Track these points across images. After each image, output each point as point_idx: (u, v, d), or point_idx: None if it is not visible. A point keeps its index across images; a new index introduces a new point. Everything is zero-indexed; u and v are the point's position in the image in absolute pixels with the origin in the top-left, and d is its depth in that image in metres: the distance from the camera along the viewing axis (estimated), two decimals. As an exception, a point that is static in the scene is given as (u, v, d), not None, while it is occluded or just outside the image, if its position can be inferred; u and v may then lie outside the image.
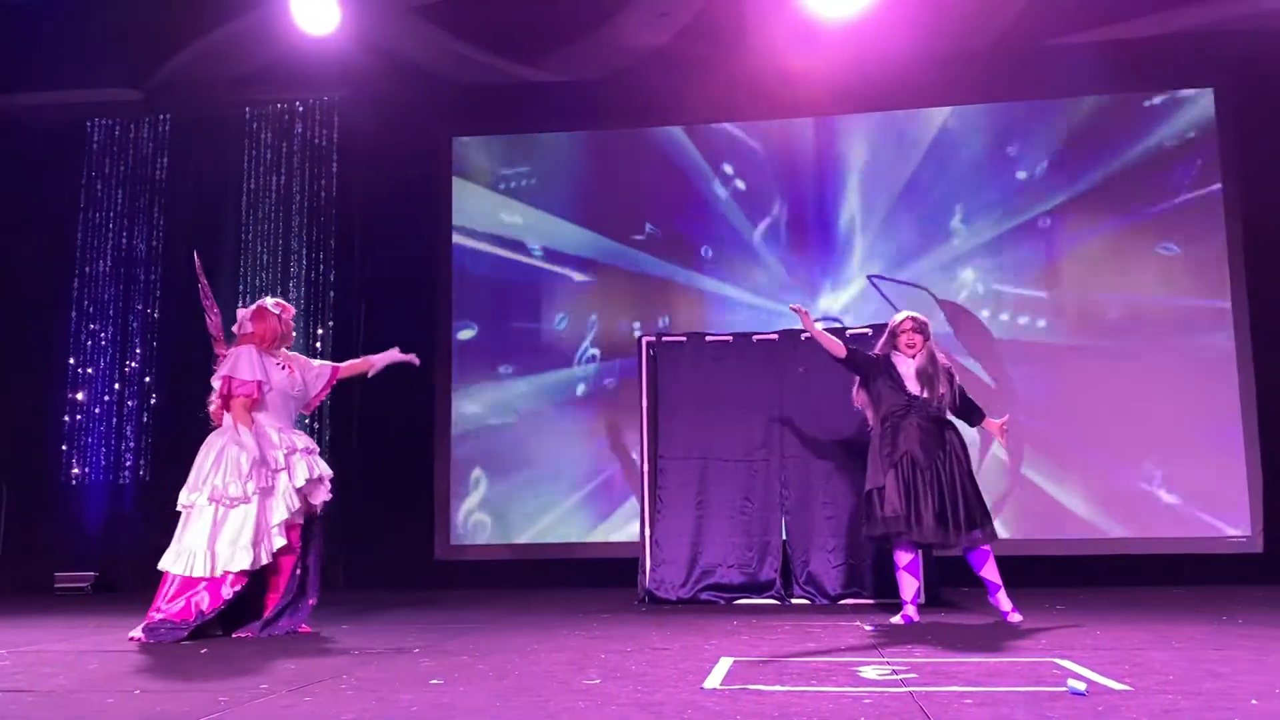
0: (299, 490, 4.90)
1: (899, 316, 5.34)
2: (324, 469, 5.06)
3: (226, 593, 4.70)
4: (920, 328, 5.27)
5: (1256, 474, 7.25)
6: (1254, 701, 2.81)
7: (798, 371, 6.62)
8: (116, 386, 8.43)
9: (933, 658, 3.81)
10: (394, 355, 5.43)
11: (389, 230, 8.26)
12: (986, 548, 5.15)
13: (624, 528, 7.55)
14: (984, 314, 7.71)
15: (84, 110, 8.64)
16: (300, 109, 8.56)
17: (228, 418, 4.95)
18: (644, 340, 6.88)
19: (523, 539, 7.92)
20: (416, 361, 5.44)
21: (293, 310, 5.32)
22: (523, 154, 8.41)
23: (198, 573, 4.69)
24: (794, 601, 6.36)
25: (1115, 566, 7.10)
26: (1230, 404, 7.36)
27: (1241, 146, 7.58)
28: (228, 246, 8.44)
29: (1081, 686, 3.00)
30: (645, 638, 4.55)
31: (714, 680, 3.31)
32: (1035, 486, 7.45)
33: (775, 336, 6.84)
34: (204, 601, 4.68)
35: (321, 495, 5.04)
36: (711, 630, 4.82)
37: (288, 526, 4.89)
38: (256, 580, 4.82)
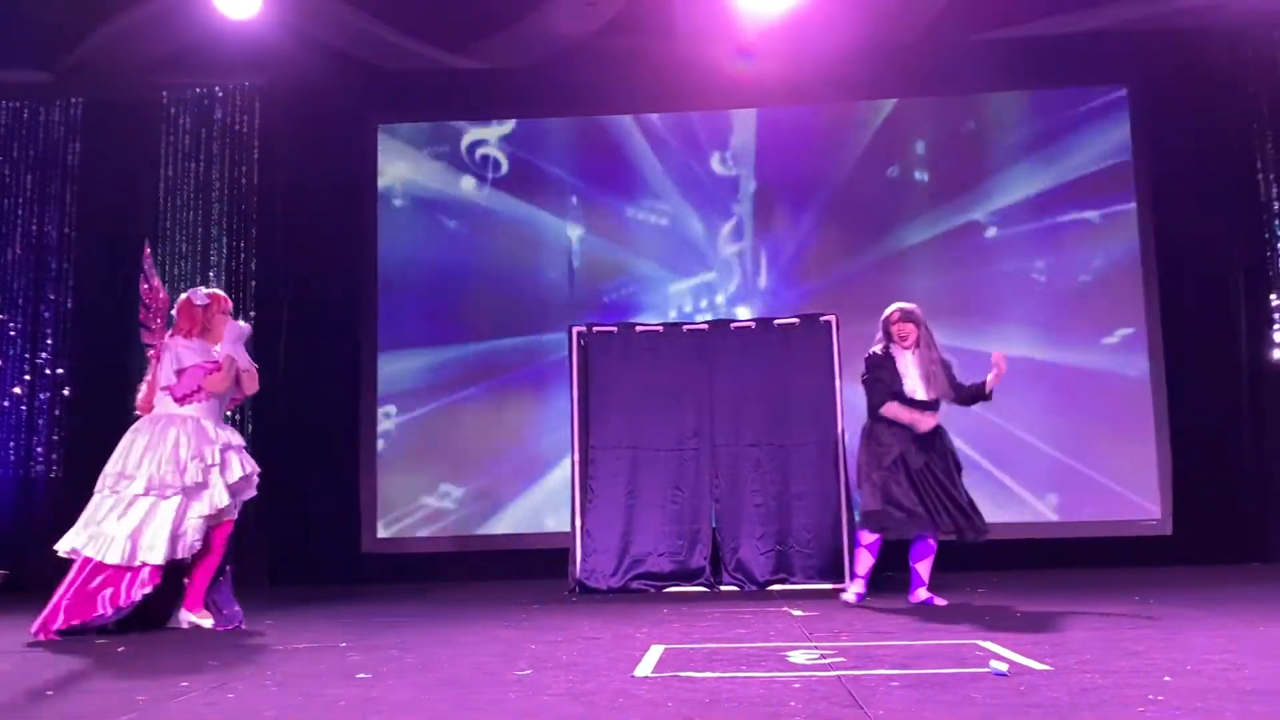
0: (229, 487, 4.78)
1: (889, 309, 5.36)
2: (252, 465, 4.96)
3: (137, 594, 4.56)
4: (908, 316, 5.28)
5: (1166, 460, 7.49)
6: (1167, 678, 2.90)
7: (728, 361, 6.68)
8: (27, 378, 8.13)
9: (859, 641, 3.87)
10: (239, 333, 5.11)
11: (313, 218, 8.09)
12: (933, 543, 5.27)
13: (554, 518, 7.52)
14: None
15: (-11, 92, 8.32)
16: (220, 94, 8.32)
17: (164, 405, 4.83)
18: (574, 330, 6.86)
19: (451, 531, 7.84)
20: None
21: (228, 302, 5.14)
22: (449, 141, 8.31)
23: (112, 560, 4.54)
24: (723, 589, 6.41)
25: (1033, 550, 7.28)
26: (1142, 394, 7.58)
27: (1154, 143, 7.80)
28: (144, 233, 8.16)
29: (1003, 667, 3.07)
30: (576, 627, 4.55)
31: (645, 668, 3.32)
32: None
33: (705, 327, 6.88)
34: (117, 596, 4.54)
35: (249, 492, 4.96)
36: (642, 619, 4.83)
37: (214, 526, 4.78)
38: (166, 585, 4.68)
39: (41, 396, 8.11)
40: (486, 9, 7.64)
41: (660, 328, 6.97)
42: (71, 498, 7.73)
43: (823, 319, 6.73)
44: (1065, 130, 7.93)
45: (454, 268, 8.12)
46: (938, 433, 5.28)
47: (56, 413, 8.09)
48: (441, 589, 6.82)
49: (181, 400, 4.84)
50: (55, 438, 8.06)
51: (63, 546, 4.68)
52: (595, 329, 6.91)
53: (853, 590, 5.38)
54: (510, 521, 7.83)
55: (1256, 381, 7.54)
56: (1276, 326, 7.58)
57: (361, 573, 7.70)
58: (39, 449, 8.04)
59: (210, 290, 5.09)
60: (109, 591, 4.55)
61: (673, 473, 6.63)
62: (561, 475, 7.11)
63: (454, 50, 7.97)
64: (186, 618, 4.80)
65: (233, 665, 3.61)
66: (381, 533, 7.90)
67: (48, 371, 8.13)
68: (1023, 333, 7.68)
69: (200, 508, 4.71)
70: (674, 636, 4.14)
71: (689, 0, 7.45)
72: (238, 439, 4.97)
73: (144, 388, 4.95)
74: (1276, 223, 7.65)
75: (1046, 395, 7.59)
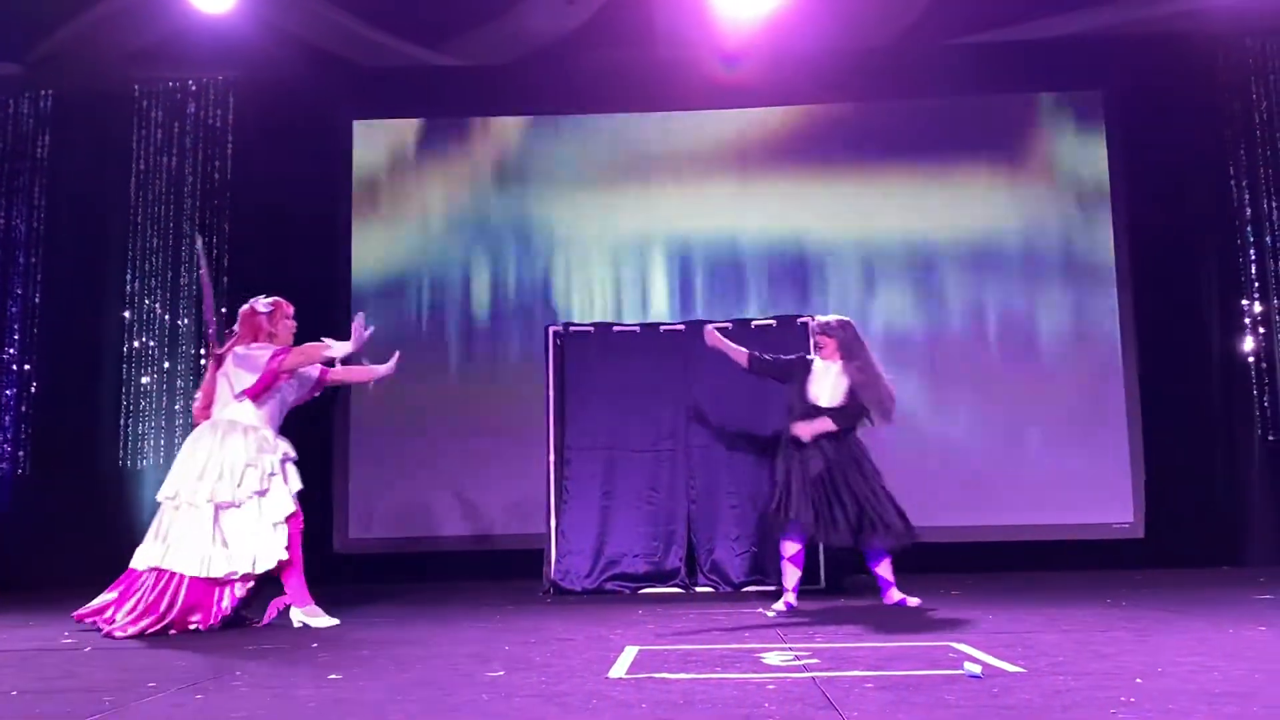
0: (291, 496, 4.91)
1: (821, 319, 5.53)
2: (298, 482, 5.06)
3: (228, 604, 4.66)
4: (823, 329, 5.43)
5: (1139, 464, 7.54)
6: (1139, 680, 2.92)
7: (705, 362, 6.66)
8: (-7, 374, 8.02)
9: (834, 643, 3.87)
10: (392, 365, 5.43)
11: (286, 214, 8.00)
12: (881, 548, 5.29)
13: (529, 519, 7.47)
14: (876, 303, 7.83)
15: (-46, 83, 8.19)
16: (193, 88, 8.23)
17: (229, 412, 4.88)
18: (550, 329, 6.83)
19: (424, 531, 7.78)
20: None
21: (289, 307, 5.22)
22: (425, 138, 8.26)
23: (194, 572, 4.58)
24: (698, 590, 6.40)
25: (1007, 553, 7.31)
26: (1116, 398, 7.63)
27: (1129, 147, 7.86)
28: (116, 229, 8.08)
29: (977, 669, 3.07)
30: (550, 628, 4.52)
31: (619, 669, 3.31)
32: (930, 475, 7.60)
33: (682, 327, 6.87)
34: (209, 611, 4.62)
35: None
36: (617, 620, 4.82)
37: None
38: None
39: (8, 393, 7.99)
40: (464, 6, 7.60)
41: (637, 328, 6.96)
42: (40, 497, 7.69)
43: (799, 320, 6.73)
44: (1041, 134, 7.98)
45: (431, 265, 8.06)
46: (845, 441, 5.30)
47: (24, 409, 7.97)
48: (414, 589, 6.78)
49: (261, 400, 4.92)
50: (23, 434, 7.95)
51: (142, 563, 4.69)
52: (571, 328, 6.89)
53: (780, 603, 5.26)
54: (484, 522, 7.78)
55: (1228, 386, 7.61)
56: (1248, 330, 7.65)
57: (333, 573, 7.62)
58: (6, 446, 7.93)
59: (271, 298, 5.16)
60: (205, 603, 4.61)
61: (648, 474, 6.62)
62: (537, 476, 7.06)
63: (430, 47, 7.92)
64: (296, 616, 4.86)
65: (201, 666, 3.56)
66: (353, 532, 7.83)
67: (15, 368, 8.01)
68: (995, 335, 7.72)
69: (268, 515, 4.77)
70: (648, 638, 4.13)
71: (667, 2, 7.44)
72: (292, 451, 5.05)
73: (200, 395, 5.01)
74: (1249, 228, 7.73)
75: (1019, 399, 7.62)
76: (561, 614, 5.19)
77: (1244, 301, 7.68)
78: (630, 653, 3.67)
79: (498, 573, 7.26)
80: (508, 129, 8.27)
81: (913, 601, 5.20)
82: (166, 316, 8.01)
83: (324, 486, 7.84)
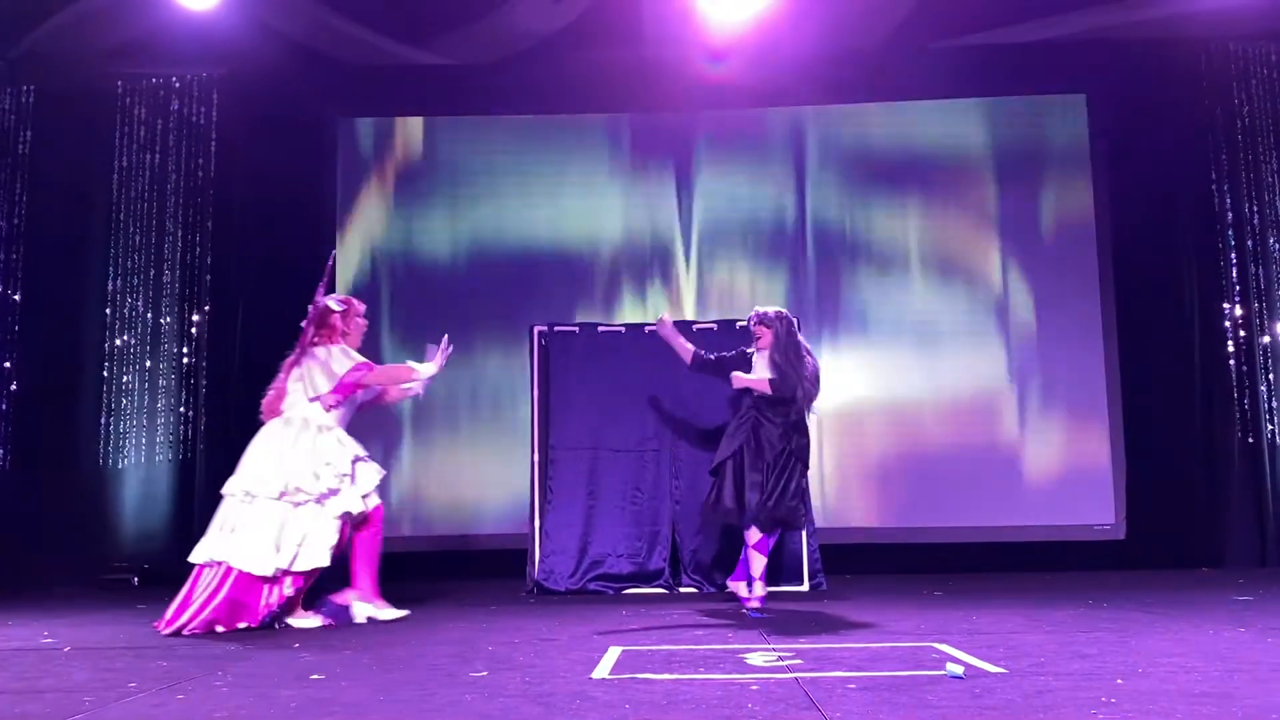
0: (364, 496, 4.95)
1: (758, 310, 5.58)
2: (379, 471, 5.12)
3: (277, 601, 4.67)
4: (760, 319, 5.47)
5: (1121, 466, 7.58)
6: (1120, 681, 2.93)
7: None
8: (-26, 371, 7.95)
9: (816, 643, 3.88)
10: (439, 361, 5.36)
11: (270, 212, 7.96)
12: (771, 539, 5.35)
13: (512, 519, 7.47)
14: (857, 304, 7.85)
15: (-64, 79, 8.12)
16: (177, 84, 8.18)
17: (302, 411, 4.93)
18: (535, 330, 6.83)
19: (408, 531, 7.76)
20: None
21: (361, 306, 5.28)
22: (411, 136, 8.24)
23: (256, 569, 4.59)
24: (682, 590, 6.40)
25: (989, 555, 7.35)
26: (1098, 400, 7.67)
27: (1112, 151, 7.90)
28: (98, 226, 8.03)
29: (959, 670, 3.09)
30: (534, 629, 4.52)
31: (603, 670, 3.31)
32: (912, 476, 7.64)
33: (667, 327, 6.85)
34: (260, 605, 4.62)
35: (373, 500, 5.08)
36: (600, 620, 4.82)
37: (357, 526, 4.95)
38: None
39: (-12, 390, 7.93)
40: (451, 4, 7.58)
41: (622, 328, 6.96)
42: (19, 494, 7.63)
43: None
44: (1024, 137, 8.01)
45: (415, 264, 8.04)
46: (789, 428, 5.31)
47: (3, 407, 7.91)
48: (397, 589, 6.74)
49: (332, 407, 4.97)
50: (3, 432, 7.89)
51: (201, 556, 4.69)
52: (556, 329, 6.88)
53: (754, 596, 5.26)
54: (468, 522, 7.77)
55: (1209, 389, 7.66)
56: (1229, 334, 7.71)
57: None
58: (-15, 444, 7.87)
59: (340, 295, 5.21)
60: (252, 599, 4.61)
61: (633, 474, 6.62)
62: (520, 476, 7.06)
63: (417, 45, 7.90)
64: (363, 611, 4.90)
65: (183, 666, 3.54)
66: (337, 532, 7.79)
67: (-6, 365, 7.95)
68: (977, 336, 7.75)
69: (334, 512, 4.79)
70: (632, 638, 4.13)
71: (654, 2, 7.44)
72: (363, 450, 5.08)
73: (271, 392, 5.03)
74: (1230, 232, 7.79)
75: (1002, 401, 7.66)
76: (545, 614, 5.18)
77: (1225, 305, 7.74)
78: (614, 653, 3.68)
79: (481, 573, 7.25)
80: (495, 127, 8.25)
81: (752, 604, 5.18)
82: (149, 315, 7.96)
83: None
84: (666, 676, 3.16)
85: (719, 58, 7.76)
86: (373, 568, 5.05)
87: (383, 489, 7.53)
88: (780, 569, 6.41)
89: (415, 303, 7.95)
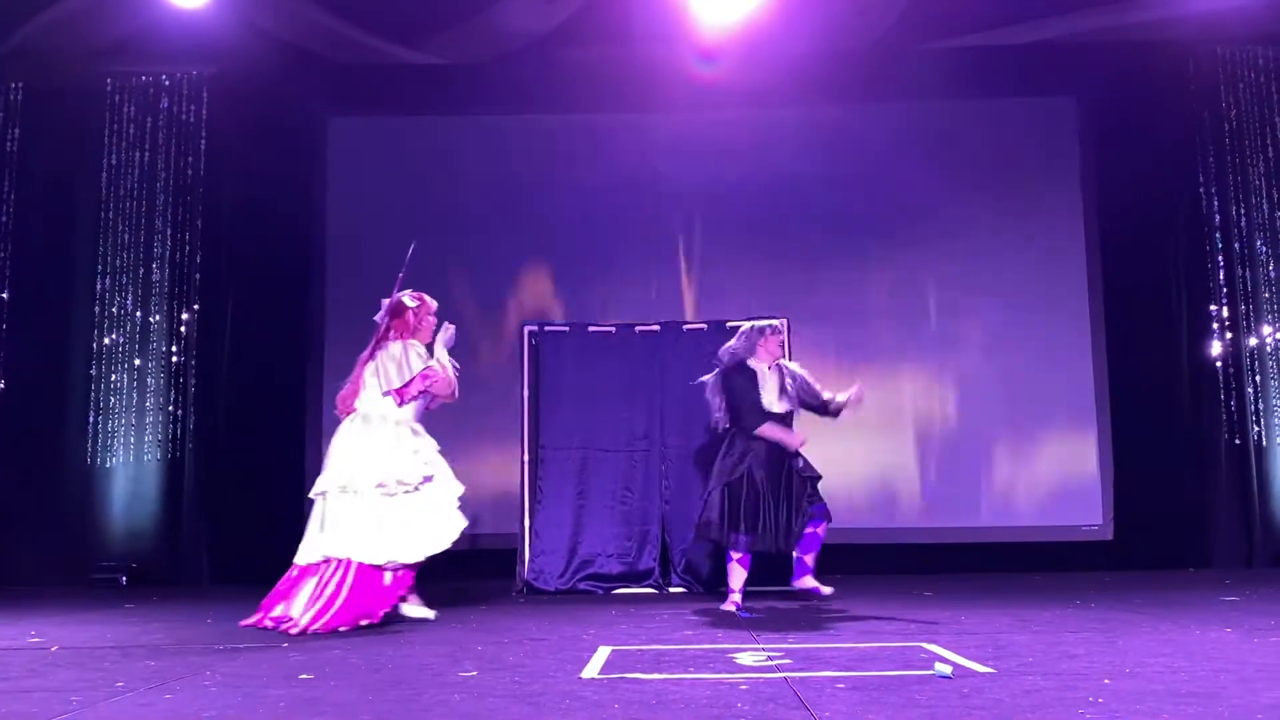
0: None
1: (763, 323, 5.46)
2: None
3: (397, 593, 4.79)
4: (779, 333, 5.46)
5: (1109, 467, 7.61)
6: (1107, 681, 2.95)
7: (679, 363, 6.67)
8: (-40, 371, 7.91)
9: (806, 643, 3.89)
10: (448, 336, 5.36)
11: (260, 211, 7.94)
12: (818, 532, 5.36)
13: (502, 519, 7.45)
14: (846, 303, 7.86)
15: (-77, 76, 8.07)
16: (167, 83, 8.15)
17: (378, 407, 4.96)
18: (526, 329, 6.82)
19: (398, 530, 7.75)
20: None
21: (433, 304, 5.31)
22: (401, 135, 8.22)
23: (371, 560, 4.67)
24: (672, 590, 6.41)
25: (978, 555, 7.37)
26: (1086, 401, 7.69)
27: (1101, 154, 7.93)
28: (86, 223, 7.99)
29: (948, 669, 3.10)
30: (523, 628, 4.52)
31: (592, 670, 3.31)
32: (902, 477, 7.66)
33: (657, 328, 6.87)
34: (386, 597, 4.72)
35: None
36: (590, 620, 4.82)
37: None
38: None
39: (-25, 389, 7.89)
40: (441, 4, 7.57)
41: (612, 328, 6.95)
42: (5, 492, 7.59)
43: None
44: (1013, 139, 8.04)
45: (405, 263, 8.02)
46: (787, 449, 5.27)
47: (-10, 405, 7.87)
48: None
49: (404, 403, 5.01)
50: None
51: (313, 555, 4.76)
52: (547, 328, 6.88)
53: (728, 604, 5.22)
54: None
55: (1197, 390, 7.69)
56: (1217, 335, 7.74)
57: (306, 572, 7.58)
58: (-28, 442, 7.82)
59: (414, 293, 5.24)
60: (374, 591, 4.68)
61: (623, 474, 6.62)
62: (510, 475, 7.05)
63: (408, 45, 7.89)
64: (408, 610, 4.97)
65: (171, 665, 3.53)
66: (326, 531, 7.77)
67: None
68: (966, 339, 7.76)
69: (434, 502, 4.88)
70: (621, 638, 4.13)
71: (646, 1, 7.44)
72: (436, 445, 5.14)
73: (347, 387, 5.08)
74: (1218, 234, 7.82)
75: (991, 402, 7.68)
76: (534, 614, 5.18)
77: (1213, 307, 7.77)
78: (603, 653, 3.68)
79: (470, 572, 7.23)
80: (484, 127, 8.23)
81: (826, 590, 5.29)
82: (138, 313, 7.92)
83: (297, 484, 7.78)
84: (656, 676, 3.16)
85: (710, 58, 7.76)
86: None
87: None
88: (773, 568, 6.41)
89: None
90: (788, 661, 3.41)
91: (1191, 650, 3.52)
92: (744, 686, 2.96)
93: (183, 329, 7.92)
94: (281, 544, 7.62)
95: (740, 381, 5.28)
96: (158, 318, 7.92)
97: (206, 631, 4.58)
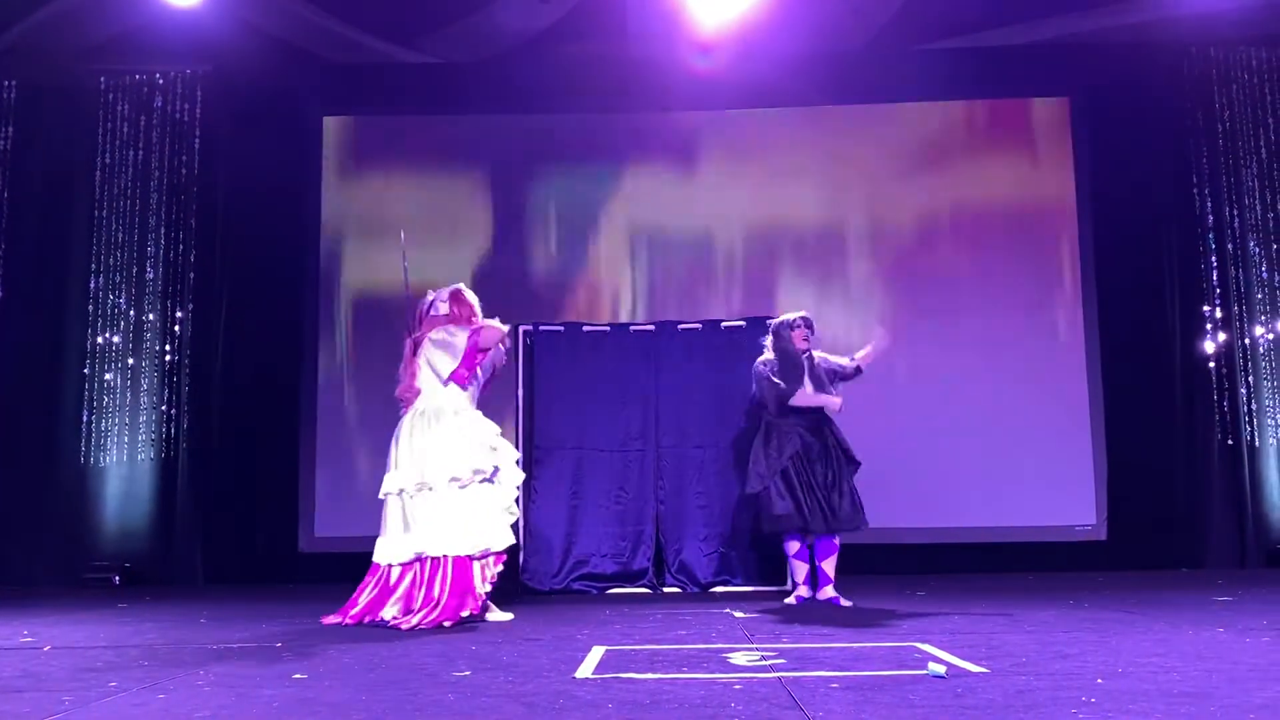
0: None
1: (792, 315, 5.67)
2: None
3: (495, 570, 4.84)
4: (810, 324, 5.64)
5: (1102, 467, 7.62)
6: (1099, 680, 2.95)
7: (674, 362, 6.68)
8: (-47, 368, 7.88)
9: (800, 643, 3.89)
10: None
11: (254, 209, 7.92)
12: (835, 542, 5.48)
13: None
14: (839, 304, 7.86)
15: (-86, 74, 8.05)
16: (161, 81, 8.13)
17: (439, 398, 4.95)
18: (520, 329, 6.82)
19: (392, 530, 7.74)
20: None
21: (469, 296, 5.33)
22: (396, 134, 8.21)
23: (464, 551, 4.72)
24: (666, 590, 6.41)
25: (971, 555, 7.38)
26: (1079, 401, 7.71)
27: (1094, 154, 7.95)
28: (80, 222, 7.97)
29: (941, 669, 3.10)
30: (517, 628, 4.52)
31: (586, 669, 3.30)
32: (895, 477, 7.64)
33: (652, 328, 6.88)
34: (474, 587, 4.75)
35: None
36: (584, 620, 4.82)
37: None
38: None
39: (-36, 388, 7.86)
40: (436, 2, 7.56)
41: (607, 328, 6.95)
42: (-2, 492, 7.59)
43: (768, 321, 6.74)
44: (1007, 139, 8.05)
45: (400, 262, 8.00)
46: (828, 431, 5.53)
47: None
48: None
49: (468, 385, 5.05)
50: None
51: (405, 554, 4.77)
52: (542, 327, 6.88)
53: (791, 598, 5.59)
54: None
55: (1189, 391, 7.71)
56: (1209, 335, 7.76)
57: (299, 571, 7.58)
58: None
59: (453, 287, 5.28)
60: (470, 584, 4.72)
61: (617, 474, 6.62)
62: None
63: (403, 44, 7.88)
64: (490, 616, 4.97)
65: (164, 665, 3.53)
66: (319, 531, 7.77)
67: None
68: (959, 338, 7.77)
69: (506, 491, 4.93)
70: (615, 638, 4.13)
71: (642, 0, 7.44)
72: (498, 429, 5.14)
73: (403, 378, 5.09)
74: (1211, 234, 7.84)
75: (984, 401, 7.68)
76: (529, 614, 5.18)
77: (1205, 307, 7.79)
78: (597, 653, 3.68)
79: (465, 572, 7.23)
80: (479, 126, 8.23)
81: (845, 602, 5.36)
82: (131, 312, 7.91)
83: (290, 484, 7.78)
84: (650, 676, 3.16)
85: (705, 57, 7.76)
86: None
87: (367, 487, 7.51)
88: (767, 568, 6.42)
89: (401, 302, 7.90)
90: (781, 661, 3.41)
91: (1184, 650, 3.53)
92: (738, 686, 2.96)
93: (177, 328, 7.91)
94: (276, 543, 7.68)
95: (786, 367, 5.54)
96: (152, 317, 7.91)
97: (200, 631, 4.57)
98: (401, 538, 4.83)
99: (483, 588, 4.80)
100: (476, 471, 4.83)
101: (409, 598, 4.73)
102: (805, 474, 5.42)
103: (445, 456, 4.82)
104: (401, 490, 4.86)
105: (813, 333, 5.63)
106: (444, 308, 5.18)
